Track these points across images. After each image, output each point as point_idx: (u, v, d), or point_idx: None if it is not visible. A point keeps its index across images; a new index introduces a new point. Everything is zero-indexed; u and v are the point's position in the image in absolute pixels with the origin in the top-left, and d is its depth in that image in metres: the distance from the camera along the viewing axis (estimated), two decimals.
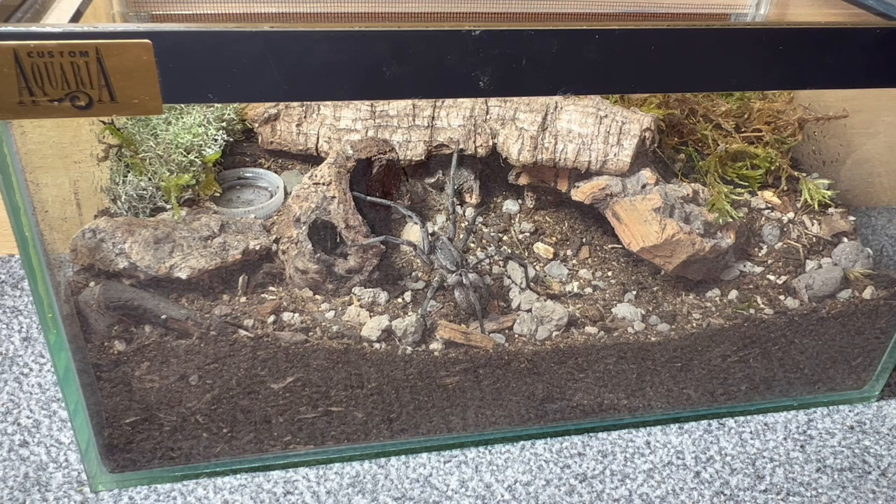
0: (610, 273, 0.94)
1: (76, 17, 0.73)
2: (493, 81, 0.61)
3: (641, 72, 0.64)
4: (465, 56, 0.60)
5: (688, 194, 0.90)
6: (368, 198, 0.81)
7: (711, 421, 0.91)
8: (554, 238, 0.97)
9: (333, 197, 0.78)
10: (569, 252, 0.96)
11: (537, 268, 0.93)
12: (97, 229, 0.70)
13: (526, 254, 0.94)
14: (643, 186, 0.89)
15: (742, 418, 0.92)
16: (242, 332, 0.72)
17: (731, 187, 0.95)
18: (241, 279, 0.76)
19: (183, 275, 0.70)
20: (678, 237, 0.84)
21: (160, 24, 0.56)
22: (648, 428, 0.90)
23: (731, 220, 0.90)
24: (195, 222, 0.77)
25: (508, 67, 0.61)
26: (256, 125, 0.95)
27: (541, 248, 0.95)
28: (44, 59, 0.54)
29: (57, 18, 0.70)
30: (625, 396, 0.88)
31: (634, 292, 0.90)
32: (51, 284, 0.65)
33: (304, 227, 0.79)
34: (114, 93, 0.56)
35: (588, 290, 0.91)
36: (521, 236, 0.96)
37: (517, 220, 0.98)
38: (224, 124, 0.91)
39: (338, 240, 0.80)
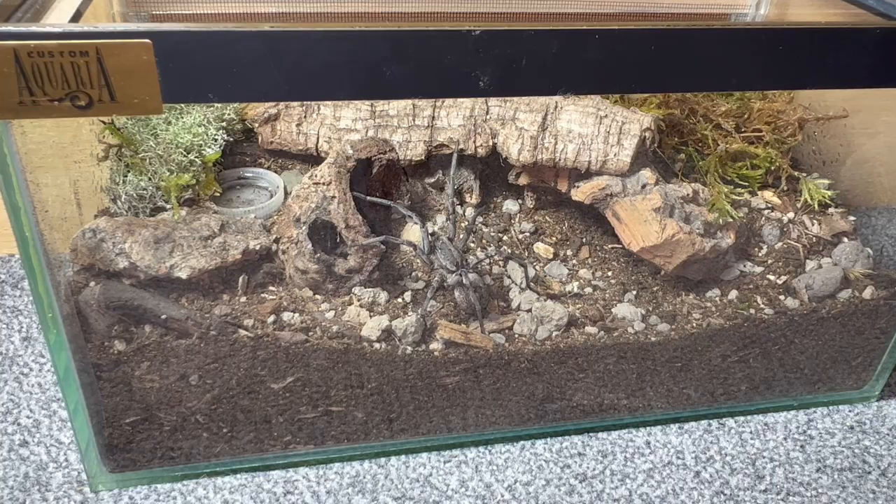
0: (610, 273, 0.93)
1: (76, 18, 0.73)
2: (493, 81, 0.61)
3: (641, 72, 0.64)
4: (466, 56, 0.60)
5: (688, 194, 0.90)
6: (368, 198, 0.81)
7: (711, 421, 0.91)
8: (554, 238, 0.97)
9: (333, 197, 0.78)
10: (569, 252, 0.96)
11: (537, 268, 0.93)
12: (97, 229, 0.70)
13: (526, 254, 0.94)
14: (643, 186, 0.89)
15: (742, 418, 0.92)
16: (242, 332, 0.72)
17: (731, 187, 0.95)
18: (241, 279, 0.76)
19: (183, 275, 0.70)
20: (678, 237, 0.84)
21: (160, 24, 0.56)
22: (648, 428, 0.90)
23: (731, 220, 0.90)
24: (195, 222, 0.77)
25: (508, 67, 0.61)
26: (256, 125, 0.95)
27: (541, 248, 0.95)
28: (44, 59, 0.54)
29: (57, 18, 0.71)
30: (625, 396, 0.88)
31: (634, 292, 0.90)
32: (51, 284, 0.65)
33: (304, 227, 0.79)
34: (114, 93, 0.56)
35: (588, 289, 0.91)
36: (521, 236, 0.96)
37: (517, 219, 0.98)
38: (224, 124, 0.91)
39: (338, 240, 0.80)
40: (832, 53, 0.66)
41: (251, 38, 0.56)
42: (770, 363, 0.90)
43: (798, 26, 0.64)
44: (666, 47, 0.63)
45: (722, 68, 0.65)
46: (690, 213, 0.88)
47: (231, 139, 0.93)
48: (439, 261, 0.80)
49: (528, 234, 0.97)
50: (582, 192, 0.90)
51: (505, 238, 0.96)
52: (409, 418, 0.82)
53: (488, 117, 0.93)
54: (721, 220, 0.90)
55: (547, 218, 0.99)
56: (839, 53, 0.66)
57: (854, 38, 0.65)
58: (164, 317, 0.70)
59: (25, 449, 0.82)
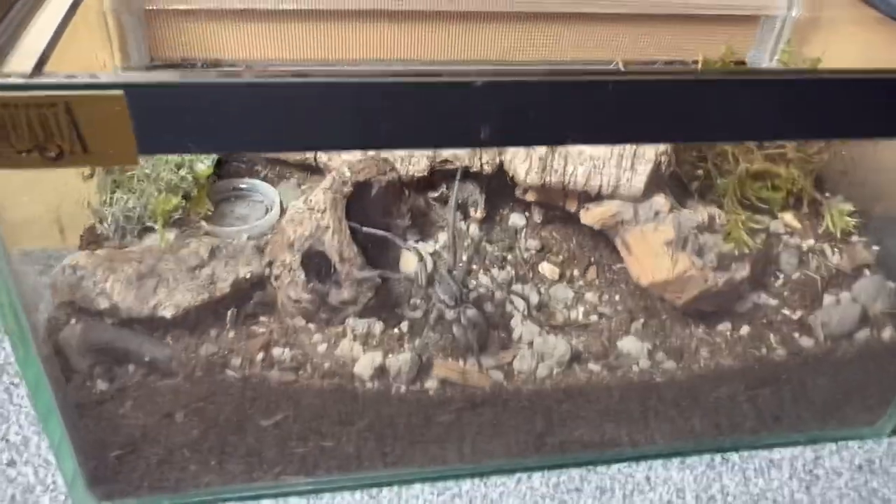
0: (617, 297, 0.90)
1: (66, 19, 0.69)
2: (494, 133, 0.57)
3: (660, 122, 0.59)
4: (466, 108, 0.55)
5: (703, 221, 0.86)
6: (364, 228, 0.77)
7: (715, 455, 0.89)
8: (561, 256, 0.93)
9: (328, 227, 0.75)
10: (575, 272, 0.92)
11: (542, 290, 0.89)
12: (77, 266, 0.67)
13: (531, 274, 0.91)
14: (656, 214, 0.84)
15: (746, 453, 0.89)
16: (230, 373, 0.69)
17: (750, 213, 0.90)
18: (229, 313, 0.73)
19: (167, 314, 0.67)
20: (690, 273, 0.80)
21: (133, 74, 0.51)
22: (649, 461, 0.87)
23: (747, 251, 0.86)
24: (183, 250, 0.74)
25: (512, 119, 0.56)
26: None
27: (546, 269, 0.91)
28: (9, 110, 0.50)
29: (44, 23, 0.67)
30: (626, 433, 0.85)
31: (642, 321, 0.87)
32: (28, 325, 0.62)
33: (297, 256, 0.76)
34: (86, 144, 0.52)
35: (593, 317, 0.87)
36: (526, 255, 0.92)
37: (523, 235, 0.94)
38: None
39: (333, 269, 0.76)
40: (868, 103, 0.60)
41: (230, 89, 0.52)
42: (779, 401, 0.87)
43: (835, 76, 0.59)
44: (687, 98, 0.58)
45: (750, 118, 0.60)
46: (704, 245, 0.84)
47: None
48: (438, 295, 0.76)
49: (533, 252, 0.93)
50: (591, 217, 0.86)
51: (509, 257, 0.92)
52: (403, 453, 0.80)
53: None
54: (737, 251, 0.85)
55: (554, 234, 0.95)
56: (874, 103, 0.60)
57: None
58: (147, 358, 0.67)
59: (13, 469, 0.81)
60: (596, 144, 0.78)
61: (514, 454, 0.84)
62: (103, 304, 0.66)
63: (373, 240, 0.78)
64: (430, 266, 0.82)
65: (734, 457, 0.89)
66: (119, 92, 0.50)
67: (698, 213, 0.87)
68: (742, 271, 0.85)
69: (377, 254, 0.81)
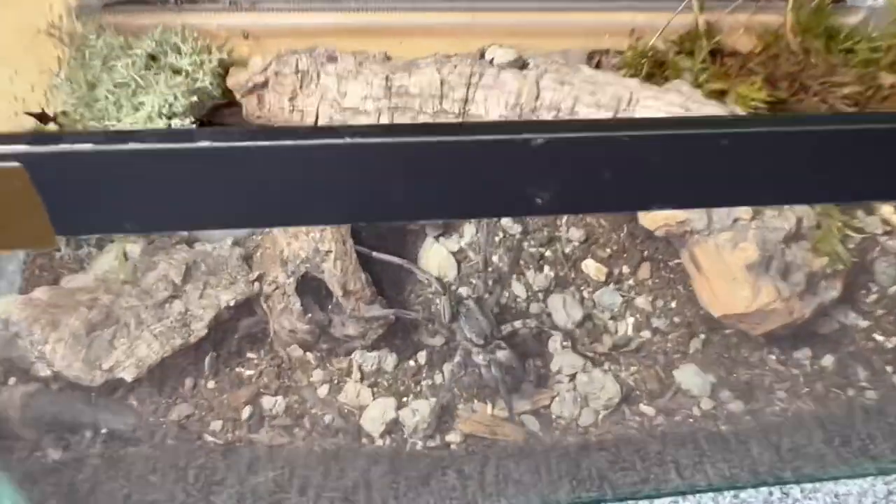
0: (674, 304, 0.76)
1: None
2: (555, 198, 0.40)
3: (786, 180, 0.42)
4: (520, 171, 0.39)
5: (790, 230, 0.70)
6: (374, 254, 0.61)
7: (773, 489, 0.77)
8: (608, 249, 0.78)
9: (329, 252, 0.60)
10: (625, 268, 0.78)
11: (585, 295, 0.75)
12: (9, 321, 0.52)
13: (573, 275, 0.76)
14: (735, 221, 0.68)
15: (809, 486, 0.78)
16: (209, 438, 0.57)
17: (847, 218, 0.74)
18: (207, 359, 0.59)
19: (127, 376, 0.54)
20: (773, 306, 0.65)
21: (37, 141, 0.35)
22: (698, 496, 0.76)
23: (841, 267, 0.70)
24: (150, 275, 0.59)
25: (580, 182, 0.40)
26: (239, 95, 0.74)
27: (591, 268, 0.76)
28: None
29: None
30: (673, 463, 0.74)
31: (703, 337, 0.73)
32: None
33: (291, 280, 0.61)
34: None
35: (645, 333, 0.74)
36: (568, 248, 0.77)
37: (565, 221, 0.78)
38: (195, 99, 0.70)
39: (335, 300, 0.62)
40: None
41: (170, 157, 0.35)
42: (852, 430, 0.75)
43: None
44: (818, 150, 0.41)
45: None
46: (791, 263, 0.68)
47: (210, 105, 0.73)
48: (463, 332, 0.62)
49: (576, 243, 0.78)
50: (652, 220, 0.70)
51: (548, 253, 0.77)
52: (416, 497, 0.69)
53: (538, 104, 0.71)
54: (828, 269, 0.70)
55: (602, 220, 0.79)
56: None
57: None
58: (104, 430, 0.54)
59: None
60: (691, 209, 0.61)
61: (542, 485, 0.73)
62: (44, 371, 0.53)
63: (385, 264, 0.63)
64: (457, 269, 0.68)
65: (795, 491, 0.78)
66: (15, 164, 0.35)
67: (784, 217, 0.71)
68: (832, 291, 0.70)
69: (389, 279, 0.66)
